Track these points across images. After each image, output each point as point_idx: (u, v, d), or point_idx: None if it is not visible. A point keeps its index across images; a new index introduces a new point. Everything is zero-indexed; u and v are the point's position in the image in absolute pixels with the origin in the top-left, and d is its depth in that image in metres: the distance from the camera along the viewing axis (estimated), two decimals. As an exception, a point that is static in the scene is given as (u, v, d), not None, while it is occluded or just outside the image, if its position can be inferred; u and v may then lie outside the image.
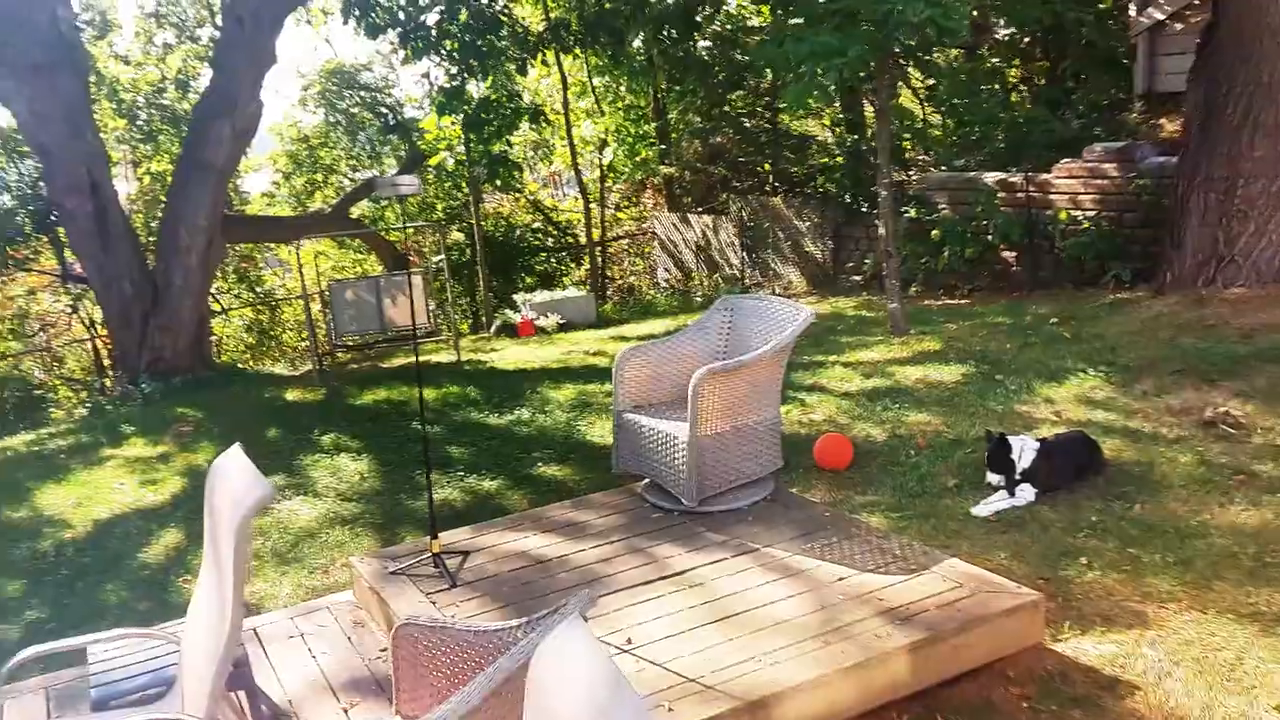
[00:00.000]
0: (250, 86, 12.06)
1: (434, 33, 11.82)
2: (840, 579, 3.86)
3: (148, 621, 4.62)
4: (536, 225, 18.90)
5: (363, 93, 17.91)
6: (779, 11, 10.29)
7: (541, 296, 13.81)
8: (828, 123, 17.47)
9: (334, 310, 11.39)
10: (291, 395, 10.06)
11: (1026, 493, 4.97)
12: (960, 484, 5.41)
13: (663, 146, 17.48)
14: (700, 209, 17.43)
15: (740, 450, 4.66)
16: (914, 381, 7.62)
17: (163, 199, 12.95)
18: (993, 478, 5.07)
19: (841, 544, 4.18)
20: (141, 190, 15.53)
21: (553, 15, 13.36)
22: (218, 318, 16.98)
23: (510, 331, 13.09)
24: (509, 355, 11.20)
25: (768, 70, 12.25)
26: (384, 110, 17.88)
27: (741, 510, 4.63)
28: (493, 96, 13.09)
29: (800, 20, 8.91)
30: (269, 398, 10.13)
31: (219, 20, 12.67)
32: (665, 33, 13.64)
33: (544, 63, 14.11)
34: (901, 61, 12.63)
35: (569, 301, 13.67)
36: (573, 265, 18.73)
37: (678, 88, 16.39)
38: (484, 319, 14.12)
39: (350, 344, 11.56)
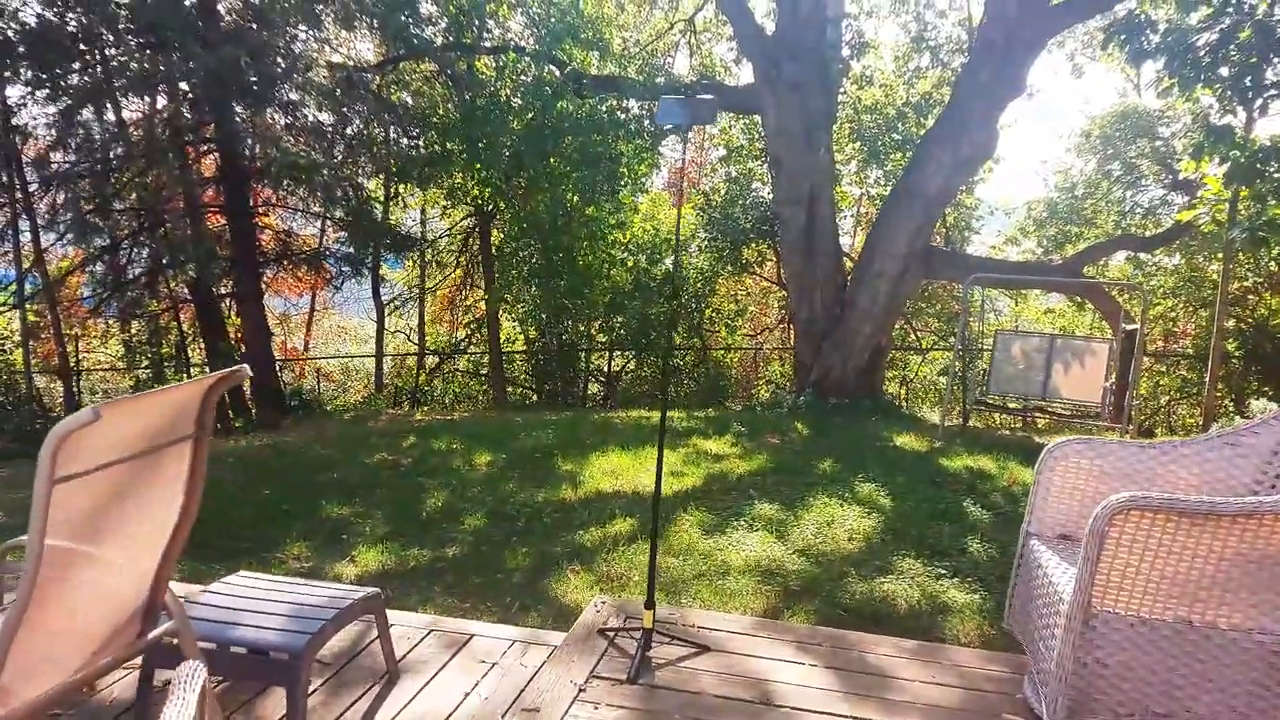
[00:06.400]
0: (984, 114, 11.16)
1: (1205, 58, 9.39)
2: None
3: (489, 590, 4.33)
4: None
5: (1157, 143, 15.39)
6: None
7: (1294, 411, 10.15)
8: None
9: (994, 362, 9.97)
10: (901, 440, 9.01)
11: None
12: None
13: None
14: None
15: (1193, 669, 2.42)
16: None
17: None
18: None
19: None
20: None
21: None
22: (918, 357, 16.44)
23: (1230, 444, 9.89)
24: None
25: None
26: (1176, 164, 15.08)
27: (1171, 786, 2.41)
28: (1286, 142, 9.92)
29: None
30: (880, 435, 9.24)
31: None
32: None
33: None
34: None
35: (1336, 427, 9.78)
36: None
37: None
38: (1208, 419, 10.97)
39: (995, 403, 9.97)
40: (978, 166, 12.37)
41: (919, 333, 16.80)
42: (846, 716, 2.70)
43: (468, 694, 3.14)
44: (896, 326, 15.86)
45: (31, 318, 15.35)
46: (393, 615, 3.76)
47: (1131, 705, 2.45)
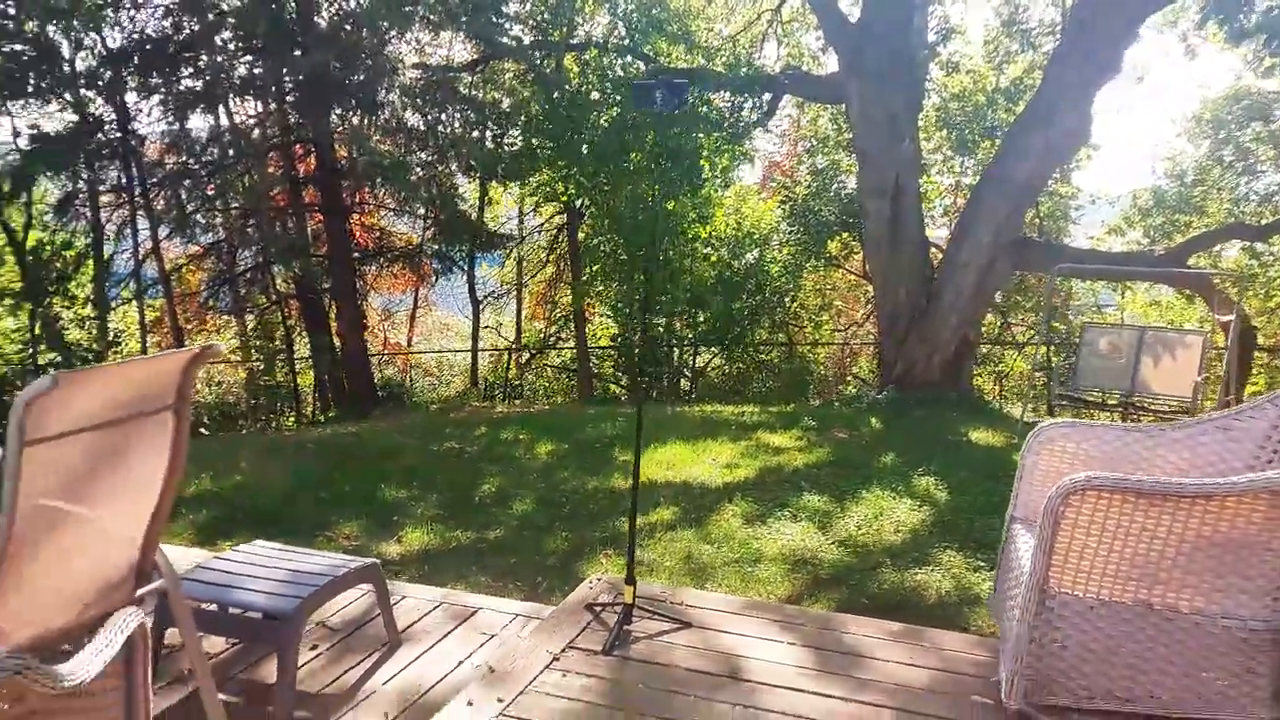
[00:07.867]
0: (1077, 97, 10.71)
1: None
2: None
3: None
4: None
5: (1274, 126, 14.42)
6: None
7: None
8: None
9: (1080, 356, 9.60)
10: (977, 435, 8.77)
11: None
12: None
13: None
14: None
15: (1156, 652, 2.33)
16: None
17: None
18: None
19: None
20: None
21: None
22: (1014, 352, 15.86)
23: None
24: None
25: None
26: (1299, 147, 14.14)
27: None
28: None
29: None
30: (957, 430, 9.00)
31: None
32: None
33: None
34: None
35: None
36: None
37: None
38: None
39: (1083, 398, 9.58)
40: (1070, 153, 11.90)
41: (1016, 327, 16.22)
42: (810, 693, 2.69)
43: (461, 662, 3.24)
44: (992, 320, 15.37)
45: (153, 314, 16.34)
46: (407, 588, 3.90)
47: (1093, 688, 2.37)
